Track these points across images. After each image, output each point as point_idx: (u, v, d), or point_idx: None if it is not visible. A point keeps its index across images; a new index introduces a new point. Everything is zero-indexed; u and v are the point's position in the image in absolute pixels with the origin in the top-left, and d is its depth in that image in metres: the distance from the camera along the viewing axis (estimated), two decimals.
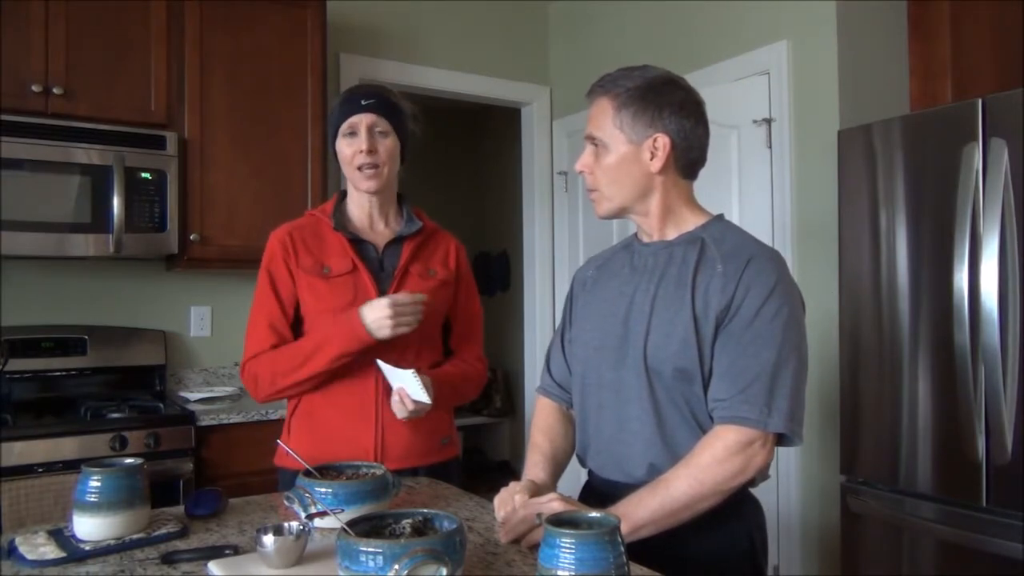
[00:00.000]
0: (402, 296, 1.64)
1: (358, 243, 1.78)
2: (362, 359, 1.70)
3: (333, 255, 1.75)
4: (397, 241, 1.81)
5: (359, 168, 1.73)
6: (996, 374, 1.94)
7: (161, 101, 2.73)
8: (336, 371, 1.69)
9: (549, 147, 4.04)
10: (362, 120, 1.73)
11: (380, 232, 1.83)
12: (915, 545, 2.14)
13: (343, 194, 1.87)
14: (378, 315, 1.61)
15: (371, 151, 1.72)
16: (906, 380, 2.16)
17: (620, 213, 1.42)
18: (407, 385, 1.59)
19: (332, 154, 1.82)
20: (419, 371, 1.60)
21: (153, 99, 2.72)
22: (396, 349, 1.72)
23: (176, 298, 3.06)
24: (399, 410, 1.62)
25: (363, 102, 1.74)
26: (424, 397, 1.58)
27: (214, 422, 2.53)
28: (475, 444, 5.41)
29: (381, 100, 1.76)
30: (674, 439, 1.31)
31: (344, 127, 1.74)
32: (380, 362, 1.62)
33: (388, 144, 1.76)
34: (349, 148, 1.74)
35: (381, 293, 1.73)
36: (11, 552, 1.18)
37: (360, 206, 1.82)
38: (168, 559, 1.17)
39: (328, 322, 1.69)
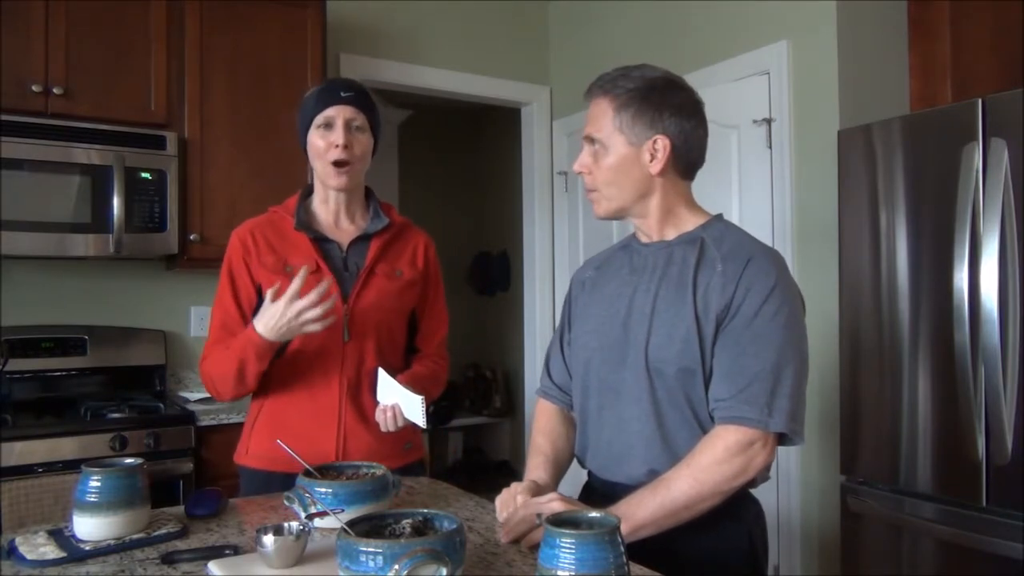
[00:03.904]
0: (299, 302, 1.52)
1: (322, 242, 1.73)
2: (326, 362, 1.69)
3: (296, 254, 1.70)
4: (364, 239, 1.76)
5: (332, 163, 1.68)
6: (996, 374, 1.94)
7: (161, 101, 2.73)
8: (284, 370, 1.68)
9: (549, 147, 4.04)
10: (340, 113, 1.67)
11: (345, 230, 1.78)
12: (915, 545, 2.14)
13: (307, 190, 1.82)
14: (269, 323, 1.53)
15: (347, 146, 1.67)
16: (906, 380, 2.16)
17: (619, 214, 1.42)
18: (406, 406, 1.55)
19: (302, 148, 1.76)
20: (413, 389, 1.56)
21: (153, 99, 2.72)
22: (358, 350, 1.71)
23: (176, 298, 3.06)
24: (388, 425, 1.58)
25: (343, 94, 1.68)
26: (422, 422, 1.54)
27: (214, 422, 2.53)
28: (475, 444, 5.41)
29: (360, 94, 1.71)
30: (675, 440, 1.31)
31: (319, 119, 1.68)
32: (382, 371, 1.59)
33: (363, 140, 1.71)
34: (323, 140, 1.68)
35: (345, 293, 1.70)
36: (11, 552, 1.18)
37: (326, 203, 1.77)
38: (168, 559, 1.17)
39: (237, 338, 1.63)
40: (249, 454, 1.75)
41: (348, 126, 1.68)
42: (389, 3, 3.54)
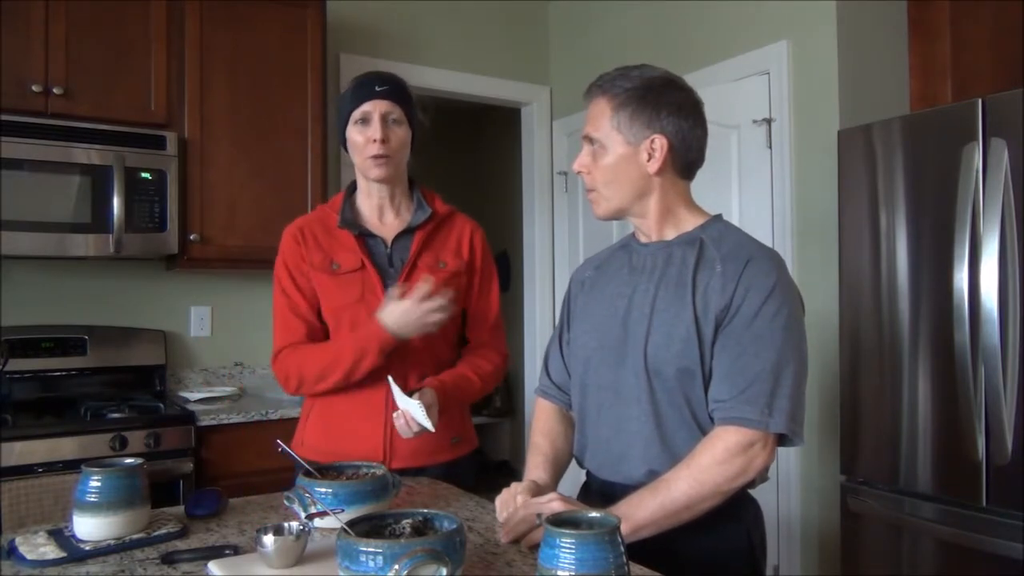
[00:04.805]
0: (428, 302, 1.60)
1: (366, 238, 1.75)
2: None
3: (342, 251, 1.73)
4: (408, 232, 1.77)
5: (371, 156, 1.70)
6: (996, 374, 1.94)
7: (161, 101, 2.73)
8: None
9: (549, 147, 4.04)
10: (376, 107, 1.69)
11: (390, 224, 1.79)
12: (915, 545, 2.14)
13: (352, 187, 1.84)
14: (400, 319, 1.60)
15: (384, 140, 1.68)
16: (906, 380, 2.16)
17: (618, 214, 1.42)
18: (412, 412, 1.56)
19: (339, 145, 1.78)
20: (422, 395, 1.58)
21: (153, 99, 2.72)
22: (404, 346, 1.70)
23: (176, 298, 3.06)
24: (404, 431, 1.59)
25: (377, 88, 1.70)
26: (428, 425, 1.54)
27: (214, 422, 2.53)
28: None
29: (395, 87, 1.73)
30: (673, 440, 1.31)
31: (357, 114, 1.70)
32: (391, 380, 1.60)
33: (401, 133, 1.73)
34: (361, 136, 1.70)
35: (388, 289, 1.71)
36: (11, 552, 1.18)
37: (370, 196, 1.79)
38: (168, 559, 1.17)
39: (349, 334, 1.68)
40: (305, 446, 1.76)
41: (385, 120, 1.70)
42: (389, 3, 3.54)
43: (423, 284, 1.60)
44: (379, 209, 1.80)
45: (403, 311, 1.60)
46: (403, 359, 1.72)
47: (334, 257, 1.73)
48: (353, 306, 1.71)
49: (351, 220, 1.77)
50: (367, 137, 1.69)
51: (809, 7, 2.73)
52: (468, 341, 1.87)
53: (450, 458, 1.77)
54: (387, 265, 1.75)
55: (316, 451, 1.70)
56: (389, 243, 1.77)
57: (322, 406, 1.77)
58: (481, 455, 5.37)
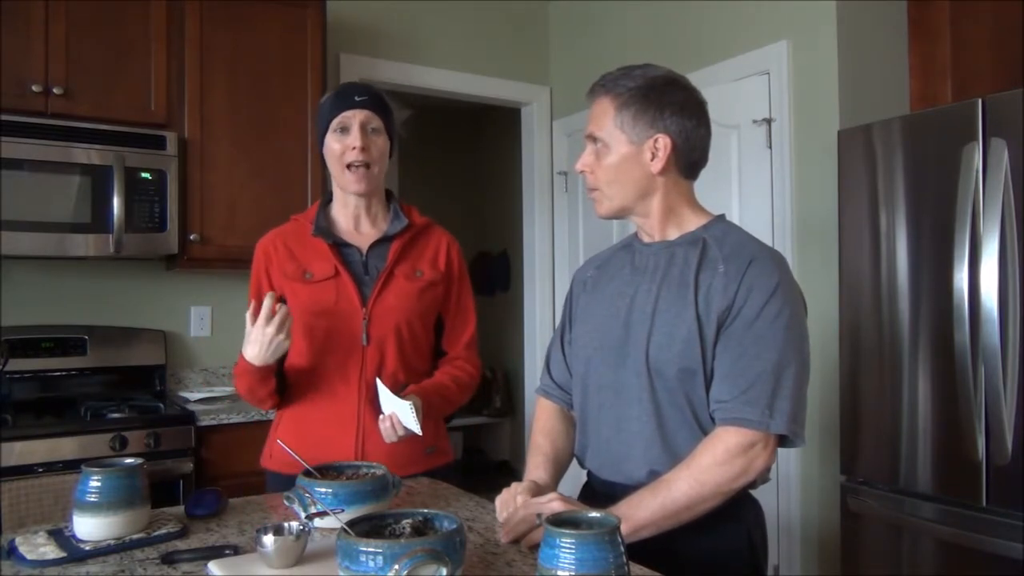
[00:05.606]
0: (268, 326, 1.56)
1: (341, 247, 1.75)
2: (345, 366, 1.71)
3: (315, 260, 1.73)
4: (384, 241, 1.77)
5: (348, 166, 1.70)
6: (996, 374, 1.94)
7: (161, 101, 2.73)
8: (308, 381, 1.73)
9: (549, 147, 4.04)
10: (356, 116, 1.69)
11: (366, 233, 1.79)
12: (915, 545, 2.14)
13: (327, 197, 1.84)
14: (252, 350, 1.58)
15: (364, 148, 1.69)
16: (906, 380, 2.16)
17: (621, 213, 1.42)
18: (400, 414, 1.55)
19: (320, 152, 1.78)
20: (412, 398, 1.56)
21: (153, 99, 2.72)
22: (378, 353, 1.71)
23: (176, 298, 3.06)
24: (388, 435, 1.58)
25: (357, 98, 1.70)
26: (416, 429, 1.54)
27: (214, 422, 2.53)
28: (475, 444, 5.41)
29: (375, 97, 1.73)
30: (674, 440, 1.31)
31: (336, 122, 1.70)
32: (379, 382, 1.60)
33: (380, 143, 1.73)
34: (340, 144, 1.70)
35: (363, 296, 1.71)
36: (11, 552, 1.18)
37: (346, 207, 1.79)
38: (168, 559, 1.17)
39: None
40: (273, 458, 1.76)
41: (364, 129, 1.70)
42: (389, 3, 3.54)
43: (267, 300, 1.56)
44: (355, 219, 1.80)
45: (251, 340, 1.59)
46: (377, 367, 1.71)
47: (307, 266, 1.73)
48: (328, 313, 1.70)
49: (325, 229, 1.76)
50: (346, 145, 1.70)
51: (809, 7, 2.73)
52: (444, 353, 1.86)
53: (424, 469, 1.75)
54: (362, 273, 1.74)
55: (287, 463, 1.66)
56: (364, 251, 1.76)
57: (291, 416, 1.76)
58: (481, 455, 5.37)
